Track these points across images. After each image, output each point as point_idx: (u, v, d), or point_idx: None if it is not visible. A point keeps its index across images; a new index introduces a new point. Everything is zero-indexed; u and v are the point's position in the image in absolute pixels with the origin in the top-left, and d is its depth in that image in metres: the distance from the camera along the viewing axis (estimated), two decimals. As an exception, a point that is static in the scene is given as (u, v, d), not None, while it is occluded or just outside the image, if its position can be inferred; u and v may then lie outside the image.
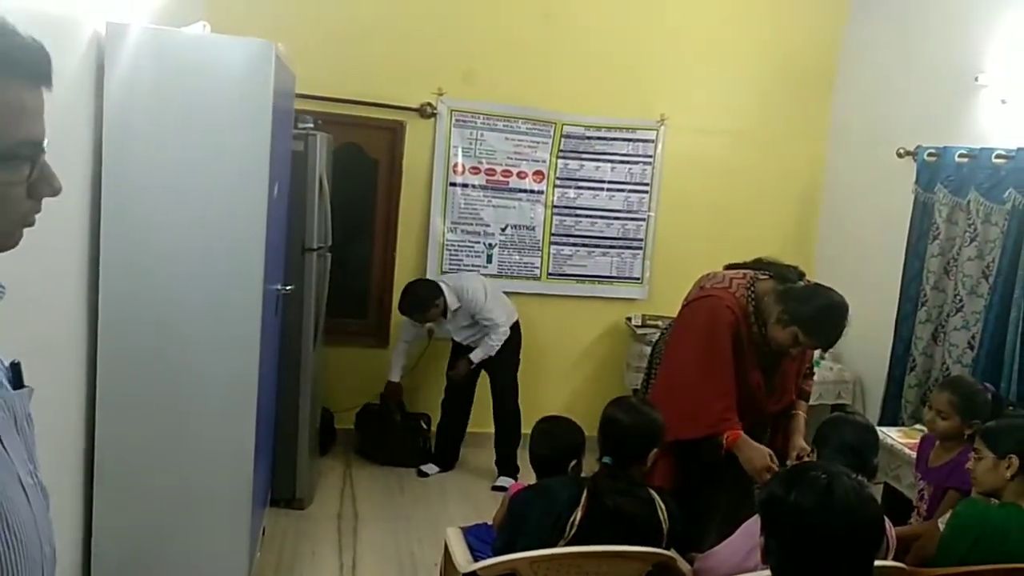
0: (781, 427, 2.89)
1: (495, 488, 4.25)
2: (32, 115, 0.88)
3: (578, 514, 2.10)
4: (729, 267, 2.94)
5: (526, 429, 2.71)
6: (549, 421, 2.60)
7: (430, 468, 4.37)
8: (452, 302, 4.13)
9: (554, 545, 2.09)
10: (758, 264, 2.86)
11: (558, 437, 2.51)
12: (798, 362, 2.88)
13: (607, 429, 2.27)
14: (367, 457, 4.46)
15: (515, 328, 4.31)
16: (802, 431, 2.89)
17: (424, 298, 4.13)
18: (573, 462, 2.42)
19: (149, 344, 2.52)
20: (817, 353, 4.36)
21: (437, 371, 4.49)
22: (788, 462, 2.69)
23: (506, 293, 4.59)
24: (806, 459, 2.74)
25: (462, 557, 2.33)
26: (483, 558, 2.24)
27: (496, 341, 4.19)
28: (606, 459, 2.21)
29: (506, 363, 4.32)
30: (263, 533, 3.35)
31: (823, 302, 2.59)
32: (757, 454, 2.57)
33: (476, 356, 4.22)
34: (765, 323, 2.67)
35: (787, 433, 2.86)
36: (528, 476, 2.57)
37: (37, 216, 0.93)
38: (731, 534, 2.33)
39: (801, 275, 2.78)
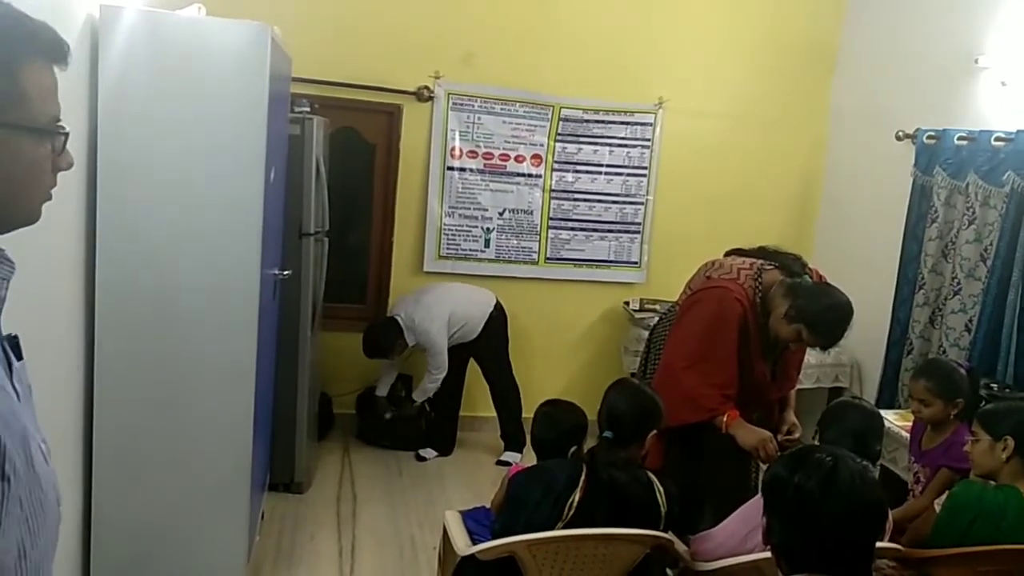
0: (776, 404, 2.93)
1: (499, 463, 4.32)
2: (55, 93, 0.96)
3: (576, 496, 2.11)
4: (730, 253, 2.94)
5: (528, 412, 2.71)
6: (551, 404, 2.61)
7: (428, 452, 4.38)
8: (410, 339, 4.17)
9: (553, 527, 2.10)
10: (762, 253, 2.86)
11: (560, 421, 2.51)
12: (801, 350, 2.90)
13: (608, 410, 2.27)
14: (366, 441, 4.47)
15: (498, 311, 4.31)
16: (792, 405, 2.96)
17: (384, 344, 4.19)
18: (574, 447, 2.43)
19: (146, 329, 2.52)
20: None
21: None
22: (779, 437, 2.73)
23: (504, 278, 4.59)
24: (796, 433, 2.79)
25: (461, 540, 2.33)
26: (482, 541, 2.24)
27: (431, 383, 4.21)
28: (607, 434, 2.21)
29: (492, 349, 4.34)
30: (262, 517, 3.36)
31: (831, 302, 2.60)
32: (752, 434, 2.61)
33: (417, 396, 4.30)
34: (768, 314, 2.69)
35: (780, 408, 2.91)
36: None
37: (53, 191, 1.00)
38: (725, 517, 2.35)
39: (804, 265, 2.79)
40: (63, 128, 0.95)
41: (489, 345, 4.32)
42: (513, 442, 4.40)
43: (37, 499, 0.94)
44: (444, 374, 4.21)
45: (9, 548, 0.89)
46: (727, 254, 2.95)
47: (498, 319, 4.31)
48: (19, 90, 0.90)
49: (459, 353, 4.28)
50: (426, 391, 4.26)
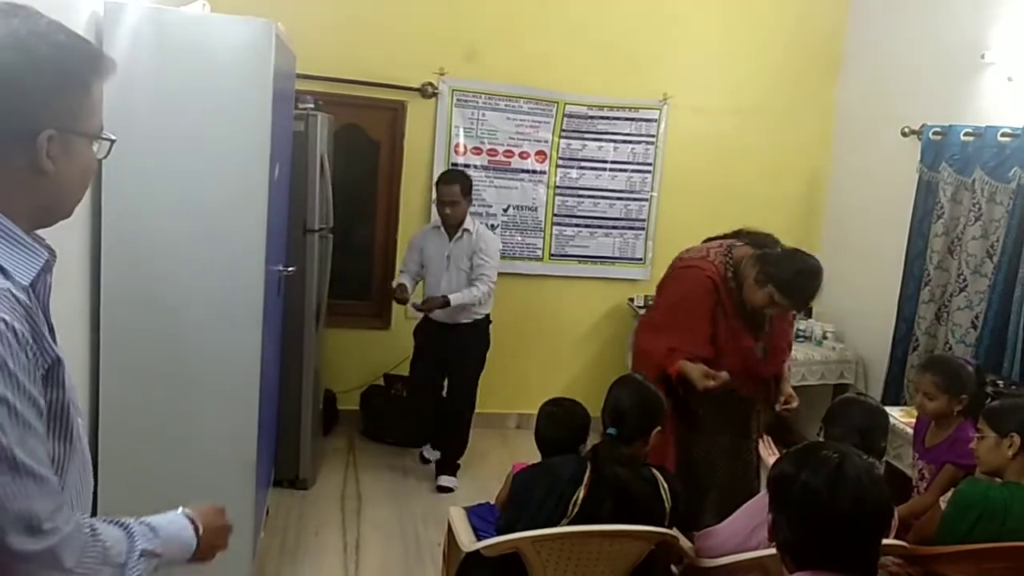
0: (771, 380, 2.99)
1: (440, 488, 3.99)
2: (102, 104, 1.07)
3: (581, 493, 2.11)
4: (708, 240, 3.01)
5: (531, 409, 2.69)
6: (555, 404, 2.60)
7: (431, 453, 4.33)
8: (469, 220, 3.93)
9: (557, 524, 2.10)
10: (737, 234, 2.95)
11: (564, 420, 2.51)
12: (787, 323, 2.96)
13: (611, 406, 2.27)
14: (371, 438, 4.47)
15: (489, 319, 4.07)
16: (787, 378, 3.01)
17: (465, 175, 3.96)
18: (580, 447, 2.42)
19: (151, 327, 2.52)
20: (819, 332, 4.41)
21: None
22: (776, 406, 2.77)
23: (508, 274, 4.58)
24: (793, 404, 2.86)
25: (465, 536, 2.34)
26: (486, 537, 2.25)
27: (480, 292, 3.84)
28: (611, 430, 2.21)
29: (470, 355, 4.02)
30: (267, 514, 3.37)
31: (799, 265, 2.68)
32: (696, 370, 2.66)
33: (455, 299, 3.81)
34: (742, 286, 2.73)
35: (776, 382, 2.97)
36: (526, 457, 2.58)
37: None
38: (728, 513, 2.35)
39: (776, 242, 2.85)
40: (111, 136, 1.08)
41: (468, 349, 4.02)
42: (448, 466, 4.09)
43: (82, 466, 1.09)
44: (493, 290, 3.92)
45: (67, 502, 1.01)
46: (704, 241, 3.04)
47: (487, 324, 4.07)
48: (89, 104, 1.03)
49: (448, 339, 4.01)
50: (468, 296, 3.83)
